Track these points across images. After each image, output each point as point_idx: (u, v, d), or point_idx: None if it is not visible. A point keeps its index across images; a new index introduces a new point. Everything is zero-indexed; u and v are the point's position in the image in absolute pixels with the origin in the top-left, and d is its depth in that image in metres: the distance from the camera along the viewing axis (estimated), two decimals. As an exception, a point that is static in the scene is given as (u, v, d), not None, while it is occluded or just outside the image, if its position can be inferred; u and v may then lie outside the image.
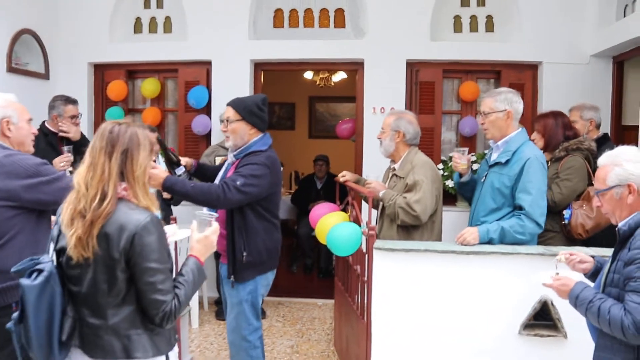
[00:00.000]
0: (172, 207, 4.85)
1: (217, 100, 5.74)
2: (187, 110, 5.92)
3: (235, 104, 3.35)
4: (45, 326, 1.97)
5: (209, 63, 5.86)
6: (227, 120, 3.35)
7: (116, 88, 5.91)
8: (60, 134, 4.53)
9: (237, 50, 5.78)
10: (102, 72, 6.07)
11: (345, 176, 4.05)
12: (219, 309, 5.50)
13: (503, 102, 3.44)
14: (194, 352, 4.54)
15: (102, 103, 6.09)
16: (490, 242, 3.26)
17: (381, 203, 3.69)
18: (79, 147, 4.67)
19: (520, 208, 3.26)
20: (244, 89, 5.69)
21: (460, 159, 3.66)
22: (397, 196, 3.57)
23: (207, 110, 5.85)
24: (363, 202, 3.85)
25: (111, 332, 2.01)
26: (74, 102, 4.63)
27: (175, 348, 2.19)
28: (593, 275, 2.50)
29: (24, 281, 1.95)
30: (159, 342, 2.09)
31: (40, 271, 1.97)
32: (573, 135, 3.92)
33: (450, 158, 5.57)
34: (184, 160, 3.56)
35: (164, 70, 6.06)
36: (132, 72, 6.13)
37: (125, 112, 6.03)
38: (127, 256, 1.97)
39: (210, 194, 3.10)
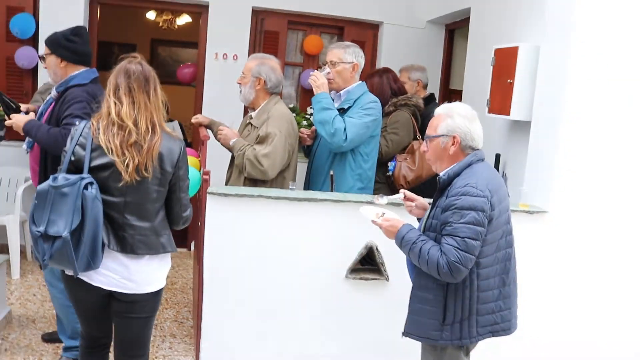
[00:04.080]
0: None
1: (45, 32, 5.08)
2: (9, 39, 5.31)
3: (47, 38, 3.28)
4: (93, 232, 2.28)
5: (36, -12, 5.30)
6: (43, 56, 3.30)
7: None
8: None
9: (70, -23, 5.29)
10: None
11: (197, 118, 3.86)
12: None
13: (351, 54, 3.56)
14: (14, 305, 4.20)
15: None
16: (318, 101, 3.42)
17: None
18: None
19: None
20: (78, 22, 5.20)
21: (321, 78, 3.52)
22: (247, 147, 3.40)
23: (33, 41, 5.30)
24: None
25: (154, 231, 2.44)
26: None
27: None
28: None
29: (88, 192, 2.27)
30: (172, 241, 2.54)
31: (91, 183, 2.29)
32: (398, 89, 4.15)
33: (294, 109, 5.66)
34: (24, 107, 3.40)
35: (-21, -9, 5.37)
36: (-62, -10, 5.35)
37: None
38: (174, 169, 2.43)
39: (57, 141, 3.00)
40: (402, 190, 2.70)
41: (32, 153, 3.33)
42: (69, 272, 2.39)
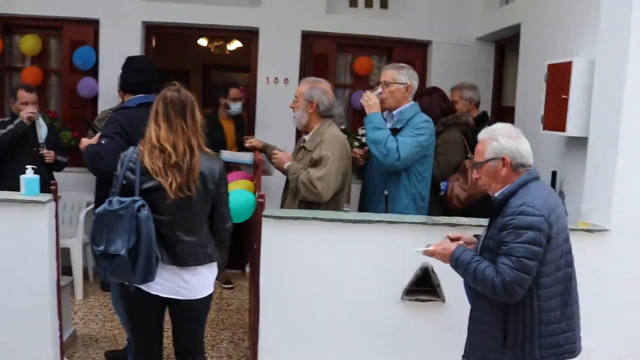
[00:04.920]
0: (54, 173, 4.64)
1: (105, 62, 5.48)
2: (73, 71, 5.58)
3: None
4: (148, 249, 2.51)
5: (96, 22, 5.54)
6: None
7: (-11, 43, 5.43)
8: None
9: (127, 10, 5.51)
10: (-29, 25, 5.55)
11: (251, 142, 3.95)
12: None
13: (405, 75, 3.59)
14: (78, 325, 4.35)
15: (-28, 59, 5.59)
16: (370, 121, 3.46)
17: None
18: None
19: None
20: (134, 52, 5.42)
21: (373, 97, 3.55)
22: (301, 170, 3.42)
23: (94, 72, 5.55)
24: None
25: (200, 244, 2.68)
26: None
27: None
28: None
29: (141, 214, 2.49)
30: (216, 251, 2.81)
31: (143, 205, 2.51)
32: (447, 107, 4.13)
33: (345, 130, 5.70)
34: None
35: (46, 27, 5.64)
36: (9, 26, 5.65)
37: (0, 70, 5.57)
38: (216, 186, 2.66)
39: (88, 158, 3.23)
40: (445, 235, 2.67)
41: None
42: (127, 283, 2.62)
